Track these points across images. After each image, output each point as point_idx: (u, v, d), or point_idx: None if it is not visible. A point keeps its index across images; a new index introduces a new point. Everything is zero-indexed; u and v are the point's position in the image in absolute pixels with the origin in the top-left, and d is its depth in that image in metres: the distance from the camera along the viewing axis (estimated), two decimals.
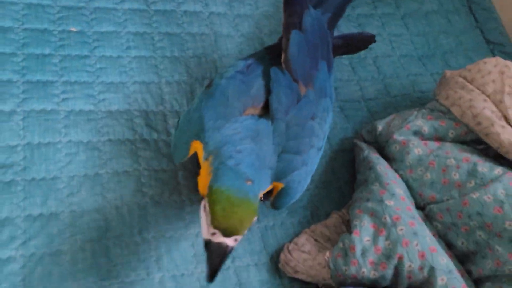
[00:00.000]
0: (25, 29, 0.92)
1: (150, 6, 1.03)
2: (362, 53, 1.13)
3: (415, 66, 1.15)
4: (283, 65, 0.75)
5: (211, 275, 0.59)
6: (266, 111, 0.73)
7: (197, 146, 0.71)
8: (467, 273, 0.73)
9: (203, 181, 0.66)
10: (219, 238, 0.59)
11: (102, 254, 0.74)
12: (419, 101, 1.08)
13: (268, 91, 0.73)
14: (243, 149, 0.66)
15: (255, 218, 0.62)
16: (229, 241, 0.60)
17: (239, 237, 0.61)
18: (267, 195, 0.80)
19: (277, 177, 0.71)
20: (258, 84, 0.74)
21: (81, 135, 0.84)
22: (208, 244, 0.60)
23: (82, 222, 0.76)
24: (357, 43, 0.97)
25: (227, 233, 0.59)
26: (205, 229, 0.61)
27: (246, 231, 0.62)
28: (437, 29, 1.22)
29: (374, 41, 0.96)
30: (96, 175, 0.81)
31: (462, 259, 0.74)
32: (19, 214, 0.74)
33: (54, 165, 0.79)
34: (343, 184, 0.93)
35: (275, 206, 0.76)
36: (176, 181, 0.84)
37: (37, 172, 0.78)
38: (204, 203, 0.62)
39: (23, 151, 0.79)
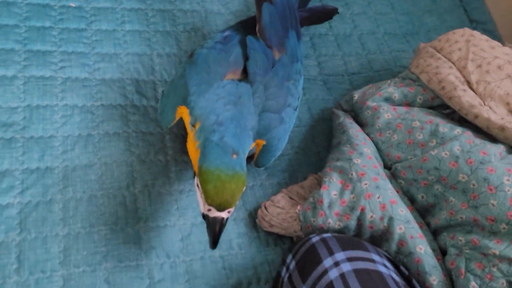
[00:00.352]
0: (28, 4, 0.99)
1: None
2: (347, 30, 1.19)
3: (399, 43, 1.20)
4: (258, 33, 0.82)
5: (213, 244, 0.67)
6: (244, 76, 0.80)
7: (183, 111, 0.77)
8: (426, 225, 0.78)
9: (192, 154, 0.72)
10: (215, 213, 0.66)
11: (91, 204, 0.81)
12: None
13: (245, 58, 0.80)
14: (225, 120, 0.71)
15: (244, 188, 0.68)
16: (224, 214, 0.66)
17: (232, 209, 0.67)
18: (249, 159, 0.86)
19: (259, 135, 0.77)
20: (236, 52, 0.80)
21: (76, 100, 0.91)
22: (205, 217, 0.67)
23: (74, 176, 0.83)
24: (321, 15, 1.07)
25: (220, 209, 0.66)
26: (201, 205, 0.67)
27: (238, 202, 0.68)
28: (422, 9, 1.27)
29: (337, 13, 1.06)
30: (89, 135, 0.88)
31: (423, 213, 0.80)
32: (18, 167, 0.81)
33: (51, 125, 0.86)
34: (322, 150, 0.99)
35: (258, 163, 0.82)
36: (162, 143, 0.91)
37: (35, 131, 0.85)
38: (196, 181, 0.68)
39: (23, 112, 0.86)
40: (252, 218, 0.87)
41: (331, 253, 0.62)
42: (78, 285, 0.74)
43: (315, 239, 0.66)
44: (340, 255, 0.61)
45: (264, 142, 0.78)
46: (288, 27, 0.86)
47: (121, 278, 0.76)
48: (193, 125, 0.73)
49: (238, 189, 0.67)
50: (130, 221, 0.81)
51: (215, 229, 0.66)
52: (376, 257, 0.62)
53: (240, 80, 0.78)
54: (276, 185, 0.92)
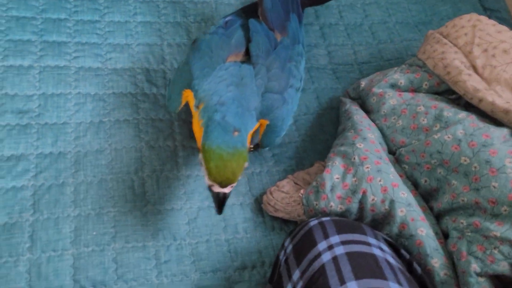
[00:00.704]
0: None
1: None
2: (358, 20, 1.19)
3: (410, 32, 1.19)
4: (260, 17, 0.83)
5: (219, 211, 0.72)
6: (247, 58, 0.81)
7: (188, 95, 0.79)
8: (430, 210, 0.78)
9: (197, 132, 0.74)
10: (217, 189, 0.69)
11: (101, 187, 0.83)
12: None
13: (247, 41, 0.81)
14: (227, 100, 0.73)
15: (246, 164, 0.70)
16: (226, 189, 0.70)
17: (234, 184, 0.70)
18: (257, 145, 0.88)
19: (262, 115, 0.78)
20: (237, 35, 0.82)
21: (89, 88, 0.94)
22: (210, 189, 0.71)
23: (86, 161, 0.86)
24: None
25: (223, 185, 0.69)
26: (205, 179, 0.70)
27: (240, 177, 0.70)
28: None
29: None
30: (100, 122, 0.91)
31: (427, 197, 0.79)
32: (32, 152, 0.84)
33: (64, 113, 0.90)
34: (329, 137, 0.99)
35: (263, 144, 0.83)
36: (171, 129, 0.93)
37: (50, 118, 0.89)
38: (200, 157, 0.70)
39: (38, 99, 0.90)
40: (258, 204, 0.89)
41: (326, 236, 0.63)
42: (87, 263, 0.77)
43: (313, 222, 0.67)
44: (335, 239, 0.62)
45: (267, 122, 0.80)
46: (290, 10, 0.88)
47: (129, 258, 0.78)
48: (197, 107, 0.75)
49: (239, 167, 0.68)
50: (138, 204, 0.83)
51: (218, 201, 0.70)
52: (372, 240, 0.63)
53: (242, 62, 0.80)
54: (283, 172, 0.94)
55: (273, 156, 0.95)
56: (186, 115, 0.94)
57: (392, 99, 0.87)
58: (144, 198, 0.84)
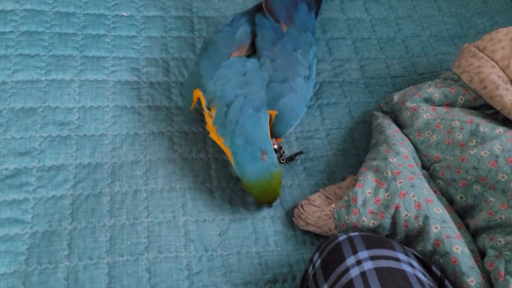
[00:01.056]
0: (85, 14, 1.07)
1: None
2: (391, 33, 1.19)
3: (445, 45, 1.17)
4: (265, 10, 0.85)
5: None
6: (253, 51, 0.84)
7: (199, 94, 0.83)
8: (465, 227, 0.76)
9: (215, 138, 0.81)
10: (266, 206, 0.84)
11: (136, 197, 0.86)
12: None
13: (253, 35, 0.84)
14: (240, 109, 0.76)
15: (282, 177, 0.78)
16: (273, 203, 0.83)
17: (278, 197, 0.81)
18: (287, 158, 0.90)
19: (269, 105, 0.80)
20: (242, 29, 0.84)
21: (125, 101, 0.97)
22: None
23: (122, 172, 0.88)
24: None
25: (270, 204, 0.82)
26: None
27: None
28: (471, 10, 1.24)
29: None
30: (136, 134, 0.93)
31: (462, 214, 0.78)
32: (72, 162, 0.88)
33: (102, 125, 0.93)
34: (361, 152, 0.99)
35: (274, 133, 0.84)
36: (204, 142, 0.95)
37: (88, 129, 0.92)
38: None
39: (78, 112, 0.93)
40: (289, 217, 0.89)
41: (354, 251, 0.62)
42: (122, 272, 0.78)
43: (341, 237, 0.66)
44: (363, 254, 0.61)
45: (275, 112, 0.81)
46: (298, 0, 0.89)
47: (161, 268, 0.80)
48: (209, 108, 0.80)
49: (278, 184, 0.78)
50: (170, 215, 0.85)
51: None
52: (401, 256, 0.62)
53: (248, 56, 0.82)
54: (314, 185, 0.93)
55: (304, 170, 0.95)
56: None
57: (426, 113, 0.86)
58: (177, 209, 0.86)
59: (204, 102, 0.81)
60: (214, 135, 0.80)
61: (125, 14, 1.10)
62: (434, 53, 1.16)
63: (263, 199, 0.78)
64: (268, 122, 0.80)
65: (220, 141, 0.80)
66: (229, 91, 0.77)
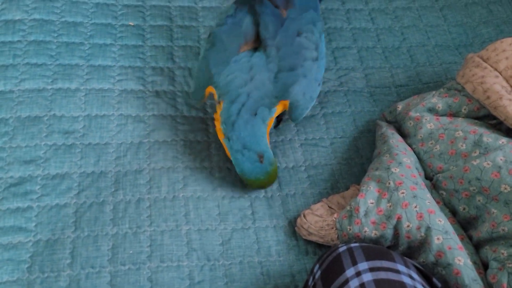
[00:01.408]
0: (92, 24, 1.09)
1: (198, 3, 1.17)
2: (396, 43, 1.18)
3: (450, 55, 1.17)
4: None
5: None
6: (259, 43, 0.84)
7: (211, 90, 0.85)
8: (468, 238, 0.75)
9: (219, 134, 0.85)
10: None
11: (139, 206, 0.86)
12: None
13: (256, 25, 0.83)
14: (242, 106, 0.80)
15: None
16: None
17: None
18: (278, 122, 0.97)
19: (280, 96, 0.82)
20: (246, 22, 0.84)
21: (130, 110, 0.98)
22: None
23: (125, 180, 0.89)
24: None
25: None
26: None
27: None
28: (477, 20, 1.23)
29: None
30: (140, 143, 0.94)
31: (465, 225, 0.77)
32: (76, 171, 0.88)
33: (107, 133, 0.94)
34: (365, 161, 0.98)
35: (293, 119, 0.87)
36: (208, 151, 0.95)
37: (93, 138, 0.93)
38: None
39: (83, 121, 0.94)
40: (292, 227, 0.89)
41: (354, 263, 0.62)
42: (124, 281, 0.79)
43: (341, 248, 0.66)
44: (363, 265, 0.61)
45: (288, 101, 0.83)
46: None
47: (163, 277, 0.80)
48: (219, 102, 0.83)
49: (274, 177, 0.85)
50: (173, 224, 0.85)
51: None
52: (401, 267, 0.61)
53: (255, 49, 0.83)
54: (318, 194, 0.93)
55: (308, 178, 0.95)
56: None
57: (430, 123, 0.85)
58: (179, 218, 0.86)
59: (216, 96, 0.84)
60: (218, 126, 0.84)
61: (132, 24, 1.11)
62: (439, 63, 1.15)
63: (257, 187, 0.87)
64: (267, 122, 0.83)
65: (221, 135, 0.84)
66: (234, 89, 0.80)
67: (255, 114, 0.81)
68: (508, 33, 1.20)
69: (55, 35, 1.04)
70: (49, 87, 0.97)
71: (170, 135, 0.96)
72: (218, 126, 0.83)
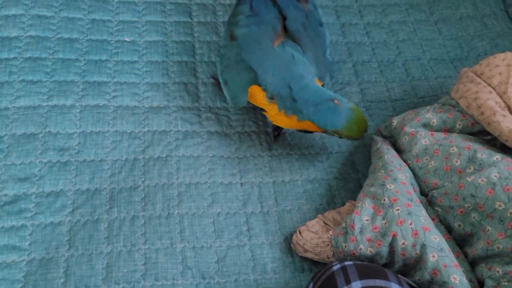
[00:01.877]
0: (88, 40, 1.09)
1: (193, 19, 1.17)
2: (392, 56, 1.19)
3: (445, 68, 1.17)
4: None
5: None
6: (285, 33, 0.91)
7: (254, 90, 0.88)
8: (464, 256, 0.75)
9: (285, 120, 0.88)
10: None
11: (133, 224, 0.86)
12: None
13: (281, 18, 0.90)
14: (297, 82, 0.86)
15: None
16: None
17: None
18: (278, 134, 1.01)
19: (320, 78, 0.92)
20: (271, 17, 0.90)
21: (125, 126, 0.98)
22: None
23: (120, 198, 0.88)
24: None
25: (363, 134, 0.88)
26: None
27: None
28: (472, 33, 1.24)
29: None
30: (135, 159, 0.94)
31: (461, 242, 0.77)
32: (71, 188, 0.88)
33: (102, 150, 0.94)
34: (361, 176, 0.98)
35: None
36: (204, 167, 0.95)
37: (88, 155, 0.93)
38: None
39: (78, 137, 0.94)
40: (288, 243, 0.88)
41: (348, 281, 0.62)
42: None
43: (336, 267, 0.66)
44: (356, 284, 0.61)
45: (321, 83, 0.93)
46: None
47: None
48: (271, 98, 0.87)
49: (361, 114, 0.85)
50: (168, 242, 0.85)
51: None
52: (395, 286, 0.61)
53: (283, 41, 0.90)
54: (314, 210, 0.93)
55: (304, 193, 0.95)
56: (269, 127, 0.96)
57: (424, 139, 0.85)
58: (174, 235, 0.86)
59: (262, 95, 0.87)
60: (283, 119, 0.87)
61: (128, 40, 1.11)
62: (434, 76, 1.16)
63: (360, 133, 0.86)
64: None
65: (293, 120, 0.86)
66: (285, 78, 0.85)
67: (303, 77, 0.86)
68: (503, 47, 1.20)
69: (51, 51, 1.05)
70: (45, 104, 0.97)
71: (165, 151, 0.96)
72: (284, 117, 0.87)
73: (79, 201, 0.87)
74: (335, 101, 0.84)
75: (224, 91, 0.93)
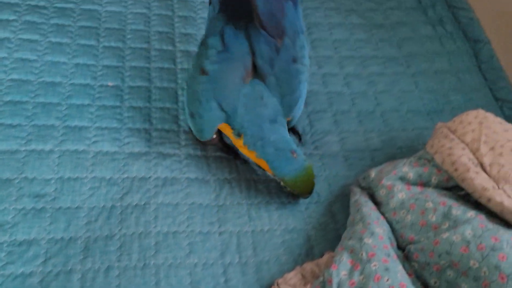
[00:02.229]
0: (71, 84, 1.09)
1: (177, 65, 1.19)
2: (370, 107, 1.22)
3: (423, 120, 1.20)
4: (257, 25, 0.87)
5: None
6: (255, 71, 0.90)
7: (223, 127, 0.92)
8: None
9: (252, 157, 0.92)
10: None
11: (108, 275, 0.84)
12: None
13: (251, 53, 0.88)
14: (264, 126, 0.89)
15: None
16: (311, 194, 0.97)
17: None
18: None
19: (286, 115, 0.94)
20: (241, 53, 0.88)
21: (104, 172, 0.97)
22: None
23: (95, 247, 0.87)
24: None
25: (309, 195, 0.96)
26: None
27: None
28: (447, 87, 1.28)
29: None
30: (113, 207, 0.92)
31: None
32: (44, 237, 0.86)
33: (79, 197, 0.92)
34: (340, 226, 0.98)
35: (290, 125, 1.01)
36: (183, 215, 0.94)
37: (64, 202, 0.91)
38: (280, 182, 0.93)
39: (55, 183, 0.93)
40: None
41: None
42: None
43: None
44: None
45: (290, 118, 0.96)
46: (283, 1, 0.90)
47: None
48: (239, 135, 0.90)
49: (313, 174, 0.92)
50: None
51: None
52: None
53: (253, 79, 0.90)
54: (292, 261, 0.92)
55: (283, 243, 0.94)
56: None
57: (401, 192, 0.87)
58: (150, 287, 0.84)
59: (230, 132, 0.91)
60: (246, 151, 0.92)
61: (111, 84, 1.12)
62: (412, 127, 1.18)
63: (305, 191, 0.92)
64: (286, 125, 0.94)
65: (253, 155, 0.91)
66: (253, 119, 0.89)
67: (276, 122, 0.90)
68: (477, 101, 1.24)
69: (32, 95, 1.05)
70: (23, 148, 0.96)
71: (143, 198, 0.95)
72: (246, 150, 0.91)
73: (53, 250, 0.85)
74: (293, 154, 0.89)
75: (190, 122, 0.95)
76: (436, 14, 1.44)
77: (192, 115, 0.93)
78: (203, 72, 0.90)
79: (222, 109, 0.88)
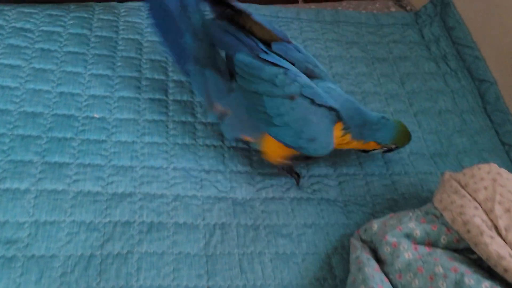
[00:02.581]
0: (53, 115, 1.01)
1: (169, 97, 1.12)
2: None
3: (426, 164, 1.14)
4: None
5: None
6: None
7: (335, 127, 0.95)
8: None
9: (356, 144, 1.00)
10: None
11: None
12: (427, 200, 1.05)
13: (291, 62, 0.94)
14: (355, 114, 0.97)
15: None
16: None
17: None
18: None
19: None
20: (288, 64, 0.92)
21: (84, 216, 0.89)
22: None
23: None
24: None
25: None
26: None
27: None
28: (451, 128, 1.22)
29: None
30: (91, 256, 0.84)
31: None
32: None
33: (55, 244, 0.84)
34: (339, 282, 0.91)
35: None
36: (169, 266, 0.86)
37: (38, 249, 0.83)
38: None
39: (30, 228, 0.85)
40: None
41: None
42: None
43: None
44: None
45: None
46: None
47: None
48: (348, 129, 0.96)
49: (402, 123, 1.04)
50: None
51: None
52: None
53: (312, 80, 0.96)
54: None
55: None
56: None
57: (407, 252, 0.80)
58: None
59: (339, 130, 0.95)
60: (353, 144, 0.99)
61: (97, 116, 1.04)
62: (414, 172, 1.12)
63: (407, 140, 1.04)
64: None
65: (360, 143, 0.99)
66: (347, 111, 0.95)
67: (354, 103, 0.99)
68: (482, 145, 1.19)
69: (11, 126, 0.97)
70: None
71: (126, 246, 0.87)
72: (355, 143, 0.99)
73: None
74: (383, 119, 0.98)
75: (310, 149, 0.94)
76: (439, 50, 1.40)
77: (312, 140, 0.92)
78: (292, 98, 0.89)
79: (330, 112, 0.92)
